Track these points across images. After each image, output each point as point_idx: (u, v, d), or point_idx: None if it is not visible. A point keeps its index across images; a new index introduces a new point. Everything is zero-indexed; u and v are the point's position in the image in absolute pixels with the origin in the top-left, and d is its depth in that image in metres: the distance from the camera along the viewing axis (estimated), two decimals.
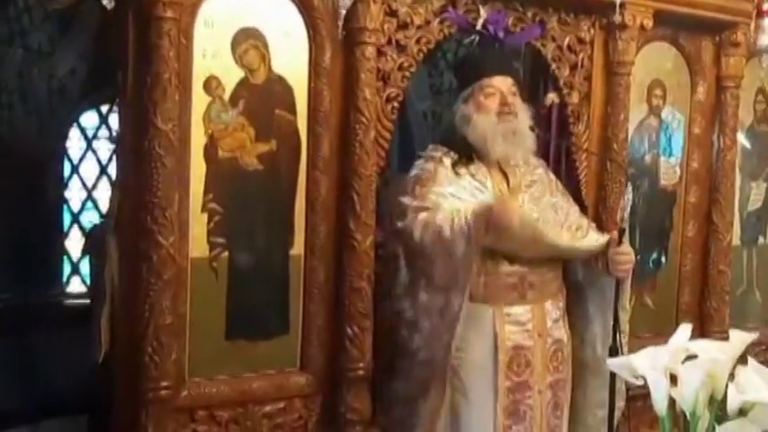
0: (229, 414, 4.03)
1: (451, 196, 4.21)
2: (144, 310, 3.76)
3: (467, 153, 4.30)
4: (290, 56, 4.07)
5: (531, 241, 4.18)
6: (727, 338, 2.53)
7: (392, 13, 4.28)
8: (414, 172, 4.36)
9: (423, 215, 4.12)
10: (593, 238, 4.50)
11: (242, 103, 3.96)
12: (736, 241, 5.69)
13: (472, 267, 4.06)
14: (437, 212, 4.09)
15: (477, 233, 3.97)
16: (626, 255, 4.30)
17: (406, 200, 4.19)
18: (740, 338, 2.42)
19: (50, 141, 7.98)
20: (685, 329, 2.45)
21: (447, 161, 4.31)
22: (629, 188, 4.40)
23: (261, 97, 4.02)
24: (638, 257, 4.58)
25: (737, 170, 5.60)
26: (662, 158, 5.34)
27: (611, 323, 4.28)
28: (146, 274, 3.75)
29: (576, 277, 4.59)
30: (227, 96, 3.93)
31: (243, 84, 3.97)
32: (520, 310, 4.30)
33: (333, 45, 4.12)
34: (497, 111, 4.19)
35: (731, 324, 5.44)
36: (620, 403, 4.44)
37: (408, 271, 4.16)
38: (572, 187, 4.87)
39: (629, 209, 4.29)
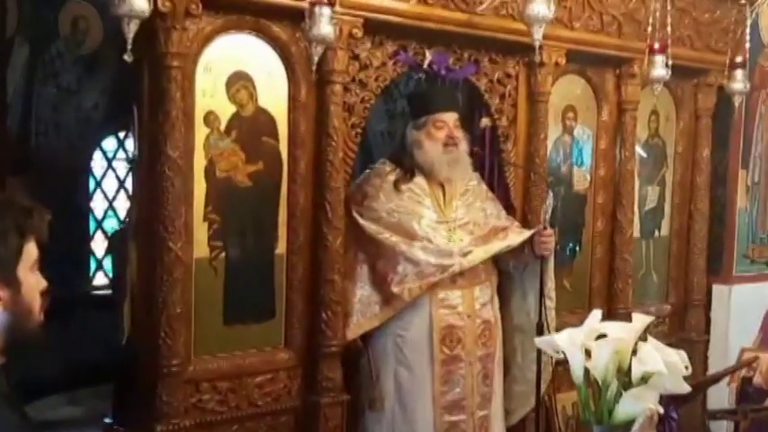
0: (227, 385, 4.00)
1: (387, 214, 4.31)
2: (158, 302, 3.73)
3: (411, 169, 4.38)
4: (273, 93, 4.05)
5: None
6: (630, 315, 2.56)
7: (355, 57, 4.27)
8: (363, 184, 4.40)
9: None
10: (516, 234, 4.55)
11: (235, 133, 3.94)
12: (636, 234, 5.71)
13: None
14: None
15: None
16: (548, 236, 4.36)
17: (354, 209, 4.33)
18: (641, 320, 2.45)
19: (78, 161, 8.01)
20: (596, 314, 2.49)
21: (391, 177, 4.37)
22: (550, 194, 4.44)
23: (250, 127, 3.99)
24: (558, 248, 4.64)
25: (636, 176, 5.62)
26: (575, 168, 5.36)
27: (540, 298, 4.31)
28: (159, 273, 3.72)
29: (507, 267, 4.62)
30: (222, 127, 3.90)
31: (235, 117, 3.94)
32: (452, 296, 4.35)
33: (307, 84, 4.10)
34: (444, 142, 4.31)
35: (634, 301, 5.53)
36: (547, 376, 4.49)
37: None
38: (502, 194, 4.90)
39: (550, 210, 4.34)
